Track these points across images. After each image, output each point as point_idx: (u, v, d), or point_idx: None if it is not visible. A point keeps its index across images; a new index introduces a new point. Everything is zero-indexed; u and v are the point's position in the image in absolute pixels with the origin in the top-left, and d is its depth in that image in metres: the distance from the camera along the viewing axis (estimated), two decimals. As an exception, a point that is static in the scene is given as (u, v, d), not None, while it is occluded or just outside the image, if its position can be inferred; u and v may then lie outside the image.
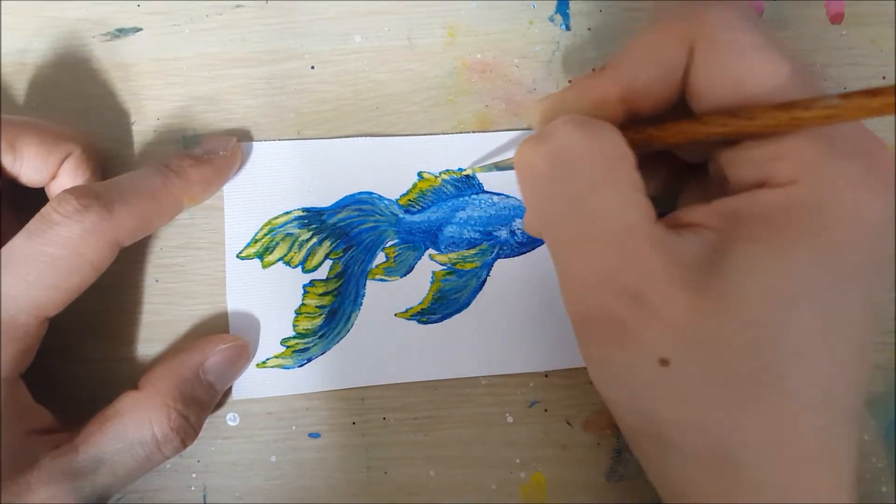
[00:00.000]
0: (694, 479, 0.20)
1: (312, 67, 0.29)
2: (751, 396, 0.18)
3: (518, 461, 0.27)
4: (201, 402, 0.25)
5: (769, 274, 0.18)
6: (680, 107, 0.23)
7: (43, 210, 0.22)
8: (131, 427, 0.23)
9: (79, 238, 0.22)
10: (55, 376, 0.26)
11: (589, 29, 0.29)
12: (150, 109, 0.28)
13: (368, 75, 0.29)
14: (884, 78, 0.30)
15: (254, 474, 0.27)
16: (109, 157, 0.28)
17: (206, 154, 0.26)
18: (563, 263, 0.21)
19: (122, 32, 0.28)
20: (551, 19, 0.29)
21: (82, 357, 0.27)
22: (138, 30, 0.28)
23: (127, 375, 0.27)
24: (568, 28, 0.29)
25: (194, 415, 0.24)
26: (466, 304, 0.28)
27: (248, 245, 0.27)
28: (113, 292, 0.27)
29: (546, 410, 0.28)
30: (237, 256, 0.27)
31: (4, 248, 0.22)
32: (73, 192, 0.22)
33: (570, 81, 0.27)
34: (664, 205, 0.25)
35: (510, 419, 0.28)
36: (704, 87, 0.21)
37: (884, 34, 0.30)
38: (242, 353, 0.26)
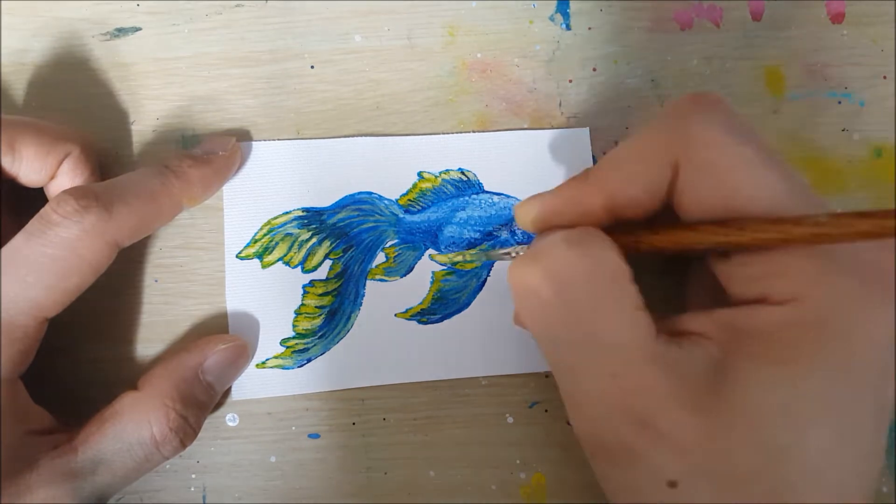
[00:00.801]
0: None
1: (312, 67, 0.28)
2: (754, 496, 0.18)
3: (518, 462, 0.27)
4: (200, 402, 0.25)
5: (775, 393, 0.18)
6: (670, 211, 0.23)
7: (42, 211, 0.22)
8: (130, 427, 0.23)
9: (78, 239, 0.22)
10: (55, 377, 0.26)
11: (589, 28, 0.29)
12: (149, 109, 0.28)
13: (368, 75, 0.29)
14: (884, 77, 0.30)
15: (253, 475, 0.27)
16: (109, 157, 0.28)
17: (205, 154, 0.26)
18: (567, 384, 0.21)
19: (121, 32, 0.28)
20: (552, 19, 0.29)
21: (82, 357, 0.27)
22: (138, 29, 0.28)
23: (126, 375, 0.27)
24: (568, 27, 0.29)
25: (193, 415, 0.24)
26: (466, 305, 0.28)
27: (248, 245, 0.27)
28: (112, 292, 0.27)
29: (546, 411, 0.28)
30: (237, 256, 0.27)
31: (4, 249, 0.22)
32: (72, 192, 0.22)
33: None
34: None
35: (510, 420, 0.27)
36: (692, 202, 0.21)
37: (884, 34, 0.30)
38: (242, 354, 0.26)
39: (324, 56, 0.29)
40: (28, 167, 0.24)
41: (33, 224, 0.22)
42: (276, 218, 0.28)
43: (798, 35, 0.30)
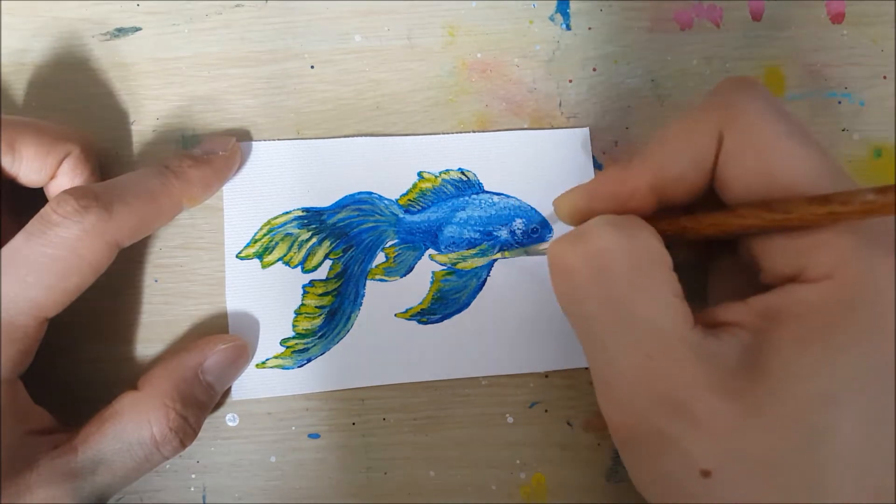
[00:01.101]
0: None
1: (312, 67, 0.28)
2: (804, 498, 0.18)
3: (518, 462, 0.27)
4: (200, 402, 0.25)
5: (811, 376, 0.18)
6: (709, 197, 0.23)
7: (42, 211, 0.22)
8: (130, 427, 0.23)
9: (78, 239, 0.22)
10: (54, 376, 0.26)
11: (590, 28, 0.29)
12: (149, 109, 0.28)
13: (368, 75, 0.29)
14: (884, 77, 0.30)
15: (253, 475, 0.27)
16: (109, 157, 0.28)
17: (205, 154, 0.26)
18: (599, 364, 0.21)
19: (121, 32, 0.28)
20: (552, 18, 0.29)
21: (81, 357, 0.27)
22: (138, 29, 0.28)
23: (126, 375, 0.27)
24: (568, 27, 0.29)
25: (193, 415, 0.24)
26: (466, 305, 0.28)
27: (248, 245, 0.27)
28: (112, 292, 0.27)
29: (546, 411, 0.28)
30: (236, 256, 0.27)
31: (4, 249, 0.22)
32: (72, 192, 0.22)
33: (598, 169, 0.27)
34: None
35: (510, 420, 0.27)
36: (735, 175, 0.21)
37: (884, 34, 0.30)
38: (242, 353, 0.26)
39: (324, 56, 0.29)
40: (28, 167, 0.24)
41: (33, 224, 0.22)
42: (276, 218, 0.28)
43: (798, 35, 0.30)
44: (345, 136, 0.28)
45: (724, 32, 0.30)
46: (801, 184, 0.20)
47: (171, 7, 0.28)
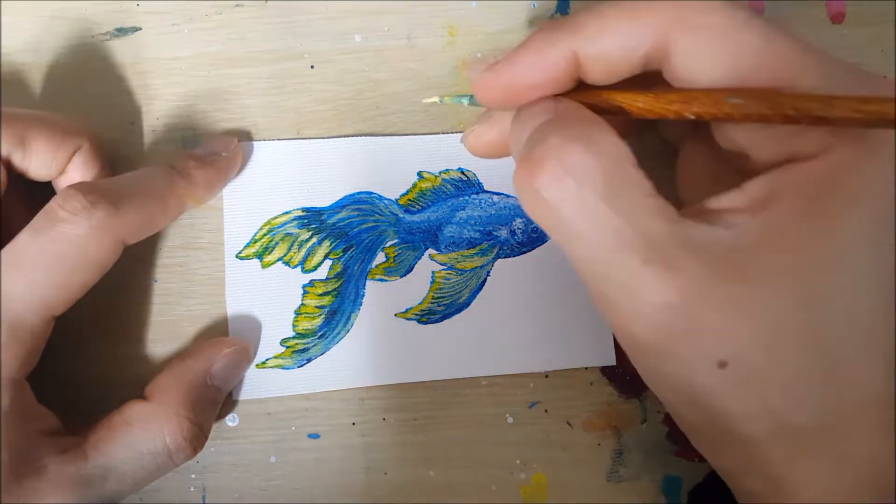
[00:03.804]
0: (766, 458, 0.19)
1: (312, 67, 0.28)
2: (816, 374, 0.18)
3: (518, 462, 0.27)
4: (210, 407, 0.25)
5: (815, 244, 0.18)
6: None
7: (48, 206, 0.22)
8: (142, 438, 0.23)
9: (85, 236, 0.22)
10: (53, 376, 0.26)
11: (589, 28, 0.29)
12: (149, 109, 0.28)
13: (368, 75, 0.29)
14: (885, 78, 0.30)
15: (253, 475, 0.27)
16: (108, 157, 0.28)
17: (207, 155, 0.26)
18: (597, 286, 0.20)
19: (121, 32, 0.28)
20: (552, 18, 0.29)
21: (80, 357, 0.27)
22: (137, 29, 0.28)
23: (126, 375, 0.27)
24: (568, 28, 0.29)
25: (205, 422, 0.25)
26: (466, 304, 0.28)
27: (248, 245, 0.27)
28: (112, 292, 0.27)
29: (546, 411, 0.28)
30: (236, 257, 0.27)
31: (9, 246, 0.22)
32: (79, 188, 0.22)
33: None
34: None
35: (510, 420, 0.27)
36: (695, 70, 0.20)
37: (884, 34, 0.30)
38: (245, 356, 0.26)
39: (324, 56, 0.29)
40: (38, 162, 0.24)
41: (39, 220, 0.22)
42: (275, 218, 0.28)
43: (798, 35, 0.30)
44: (344, 136, 0.28)
45: (724, 32, 0.30)
46: (770, 66, 0.19)
47: (171, 7, 0.28)
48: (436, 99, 0.26)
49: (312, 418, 0.27)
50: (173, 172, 0.25)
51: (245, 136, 0.28)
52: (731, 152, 0.21)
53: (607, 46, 0.20)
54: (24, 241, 0.22)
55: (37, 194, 0.25)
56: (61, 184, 0.25)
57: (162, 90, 0.28)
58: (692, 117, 0.20)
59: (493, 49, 0.29)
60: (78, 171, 0.25)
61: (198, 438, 0.24)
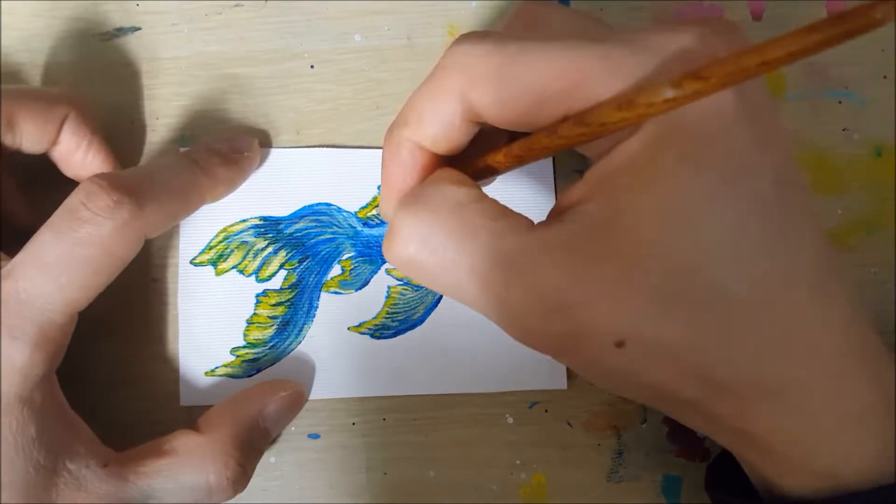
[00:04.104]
0: (718, 414, 0.20)
1: (312, 67, 0.28)
2: (712, 323, 0.18)
3: (518, 462, 0.27)
4: (257, 449, 0.25)
5: (659, 207, 0.18)
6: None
7: (70, 203, 0.22)
8: (187, 470, 0.23)
9: (110, 237, 0.22)
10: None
11: (589, 28, 0.29)
12: (148, 109, 0.28)
13: (368, 74, 0.29)
14: (885, 77, 0.30)
15: (253, 474, 0.27)
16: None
17: (231, 153, 0.26)
18: (489, 315, 0.21)
19: (120, 32, 0.28)
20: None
21: (81, 357, 0.27)
22: (137, 29, 0.28)
23: (125, 375, 0.27)
24: (568, 27, 0.29)
25: (251, 464, 0.25)
26: (421, 321, 0.27)
27: (203, 251, 0.27)
28: (110, 291, 0.27)
29: (546, 411, 0.28)
30: (191, 262, 0.27)
31: (33, 248, 0.22)
32: (103, 184, 0.22)
33: None
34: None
35: (510, 420, 0.27)
36: (505, 115, 0.20)
37: (885, 34, 0.30)
38: (299, 401, 0.26)
39: (324, 56, 0.29)
40: (29, 138, 0.24)
41: (62, 220, 0.22)
42: (232, 225, 0.27)
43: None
44: (306, 147, 0.28)
45: (724, 32, 0.30)
46: (556, 80, 0.19)
47: (171, 7, 0.28)
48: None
49: (312, 418, 0.27)
50: (197, 169, 0.25)
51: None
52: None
53: (431, 129, 0.21)
54: (48, 243, 0.22)
55: (30, 166, 0.25)
56: (56, 154, 0.25)
57: (161, 90, 0.28)
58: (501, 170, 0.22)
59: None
60: (71, 140, 0.25)
61: (240, 481, 0.24)
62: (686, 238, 0.18)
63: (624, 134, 0.19)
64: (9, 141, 0.24)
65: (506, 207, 0.20)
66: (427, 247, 0.20)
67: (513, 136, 0.22)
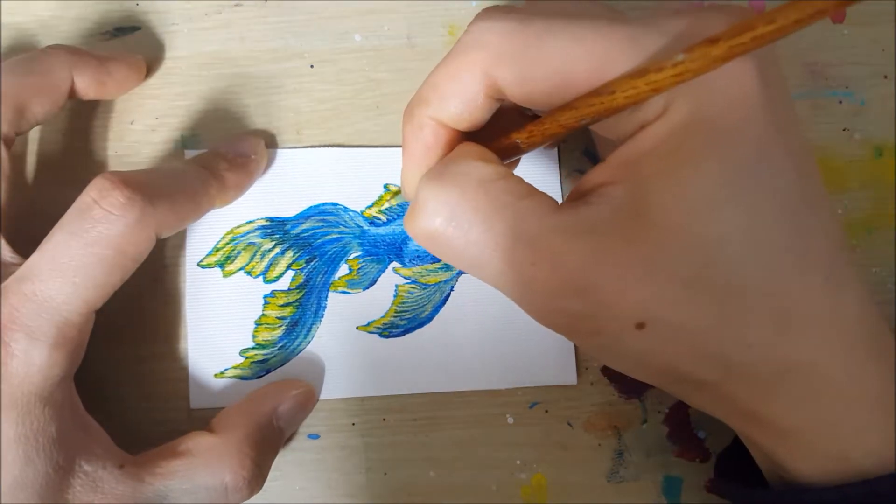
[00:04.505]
0: (731, 397, 0.20)
1: (312, 66, 0.28)
2: (731, 309, 0.18)
3: (518, 462, 0.27)
4: (272, 448, 0.25)
5: (685, 194, 0.18)
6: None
7: (82, 202, 0.22)
8: (203, 471, 0.23)
9: (123, 236, 0.22)
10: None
11: (589, 28, 0.29)
12: (148, 109, 0.28)
13: (368, 74, 0.29)
14: (885, 77, 0.30)
15: (253, 475, 0.27)
16: (108, 157, 0.28)
17: (238, 156, 0.26)
18: (509, 293, 0.21)
19: (120, 32, 0.28)
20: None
21: (88, 360, 0.27)
22: (137, 29, 0.28)
23: (125, 375, 0.27)
24: (568, 27, 0.29)
25: (266, 464, 0.25)
26: (429, 319, 0.27)
27: (210, 253, 0.27)
28: (115, 293, 0.27)
29: (547, 411, 0.28)
30: (198, 265, 0.27)
31: (47, 249, 0.22)
32: (116, 182, 0.22)
33: None
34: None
35: (510, 420, 0.27)
36: (529, 93, 0.20)
37: (885, 33, 0.30)
38: (311, 399, 0.26)
39: (323, 55, 0.28)
40: (43, 116, 0.25)
41: (74, 220, 0.22)
42: (239, 227, 0.27)
43: (798, 34, 0.29)
44: (311, 146, 0.28)
45: (724, 32, 0.30)
46: (582, 60, 0.19)
47: (171, 7, 0.28)
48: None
49: (312, 419, 0.27)
50: (207, 174, 0.25)
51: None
52: (604, 141, 0.22)
53: (453, 107, 0.21)
54: (62, 243, 0.22)
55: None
56: (82, 97, 0.26)
57: (161, 90, 0.28)
58: (525, 147, 0.22)
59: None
60: (87, 88, 0.25)
61: (256, 480, 0.24)
62: (712, 224, 0.18)
63: (650, 117, 0.19)
64: (25, 126, 0.24)
65: (531, 186, 0.20)
66: (452, 221, 0.20)
67: (534, 114, 0.23)
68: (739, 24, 0.16)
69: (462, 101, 0.21)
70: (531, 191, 0.20)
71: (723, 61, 0.17)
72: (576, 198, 0.20)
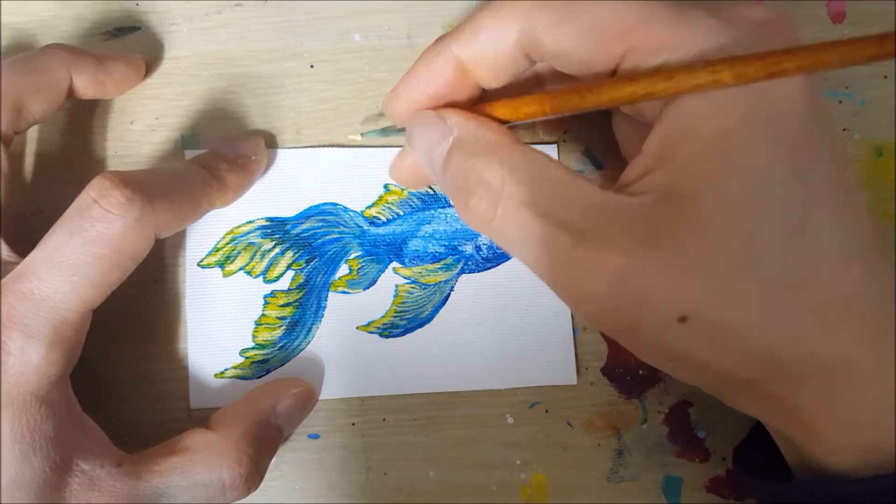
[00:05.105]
0: (770, 394, 0.20)
1: (312, 66, 0.28)
2: (772, 303, 0.18)
3: (518, 462, 0.27)
4: (270, 446, 0.25)
5: (728, 185, 0.18)
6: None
7: (82, 201, 0.22)
8: (200, 467, 0.23)
9: (121, 235, 0.22)
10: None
11: (589, 28, 0.29)
12: (148, 109, 0.28)
13: (368, 74, 0.29)
14: (885, 77, 0.30)
15: (253, 475, 0.27)
16: (108, 157, 0.28)
17: (238, 157, 0.26)
18: (552, 284, 0.20)
19: (120, 32, 0.28)
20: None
21: (86, 359, 0.26)
22: (137, 29, 0.28)
23: (125, 375, 0.27)
24: (568, 27, 0.29)
25: (263, 461, 0.24)
26: (429, 319, 0.27)
27: (210, 253, 0.27)
28: (114, 293, 0.27)
29: (547, 411, 0.28)
30: (198, 265, 0.27)
31: (46, 247, 0.22)
32: (116, 182, 0.22)
33: None
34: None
35: (510, 420, 0.27)
36: (561, 42, 0.20)
37: (885, 33, 0.30)
38: (311, 398, 0.26)
39: (323, 55, 0.28)
40: (42, 115, 0.24)
41: (73, 219, 0.22)
42: (239, 227, 0.27)
43: (799, 34, 0.30)
44: (311, 147, 0.28)
45: (724, 32, 0.30)
46: (628, 17, 0.19)
47: (171, 6, 0.28)
48: (357, 136, 0.26)
49: (312, 418, 0.27)
50: (206, 174, 0.25)
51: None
52: (637, 118, 0.22)
53: (481, 46, 0.21)
54: (61, 241, 0.22)
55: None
56: (81, 96, 0.26)
57: (161, 90, 0.28)
58: (551, 115, 0.21)
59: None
60: (86, 87, 0.25)
61: (253, 478, 0.24)
62: (760, 218, 0.18)
63: (687, 98, 0.19)
64: (24, 125, 0.24)
65: (572, 170, 0.20)
66: (502, 203, 0.20)
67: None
68: (774, 54, 0.17)
69: (493, 42, 0.21)
70: (573, 174, 0.20)
71: (751, 82, 0.17)
72: (620, 188, 0.20)
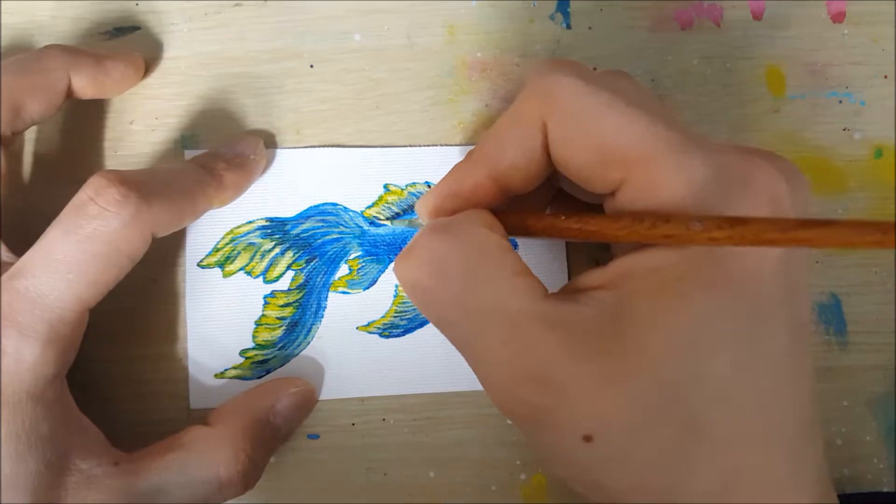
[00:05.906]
0: None
1: (312, 66, 0.28)
2: (683, 451, 0.18)
3: (518, 462, 0.27)
4: (268, 445, 0.25)
5: (670, 324, 0.18)
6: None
7: (78, 199, 0.22)
8: (197, 463, 0.23)
9: (117, 233, 0.22)
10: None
11: (590, 28, 0.29)
12: (148, 108, 0.28)
13: (368, 74, 0.29)
14: (885, 77, 0.30)
15: (253, 475, 0.27)
16: (108, 157, 0.28)
17: (237, 156, 0.26)
18: (470, 362, 0.21)
19: (120, 32, 0.28)
20: (552, 18, 0.29)
21: (79, 357, 0.26)
22: (136, 29, 0.28)
23: (124, 375, 0.27)
24: (569, 27, 0.29)
25: (261, 458, 0.24)
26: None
27: (209, 254, 0.27)
28: (111, 292, 0.27)
29: (546, 411, 0.28)
30: (197, 265, 0.27)
31: (42, 246, 0.22)
32: (112, 180, 0.22)
33: None
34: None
35: (510, 420, 0.27)
36: (568, 156, 0.21)
37: (885, 33, 0.30)
38: (310, 398, 0.26)
39: (323, 55, 0.28)
40: (39, 116, 0.24)
41: (70, 217, 0.22)
42: (238, 227, 0.27)
43: (799, 35, 0.30)
44: (311, 147, 0.28)
45: (724, 32, 0.30)
46: (630, 147, 0.19)
47: (170, 6, 0.28)
48: (387, 223, 0.27)
49: (312, 418, 0.27)
50: (204, 173, 0.25)
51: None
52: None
53: (512, 160, 0.21)
54: (57, 239, 0.21)
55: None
56: (80, 96, 0.26)
57: (161, 90, 0.28)
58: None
59: (493, 48, 0.29)
60: (86, 87, 0.25)
61: (250, 475, 0.24)
62: (691, 366, 0.18)
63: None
64: (22, 125, 0.24)
65: (527, 267, 0.21)
66: (439, 276, 0.20)
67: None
68: (762, 222, 0.17)
69: (520, 149, 0.21)
70: (525, 270, 0.20)
71: (740, 245, 0.18)
72: (566, 293, 0.20)
